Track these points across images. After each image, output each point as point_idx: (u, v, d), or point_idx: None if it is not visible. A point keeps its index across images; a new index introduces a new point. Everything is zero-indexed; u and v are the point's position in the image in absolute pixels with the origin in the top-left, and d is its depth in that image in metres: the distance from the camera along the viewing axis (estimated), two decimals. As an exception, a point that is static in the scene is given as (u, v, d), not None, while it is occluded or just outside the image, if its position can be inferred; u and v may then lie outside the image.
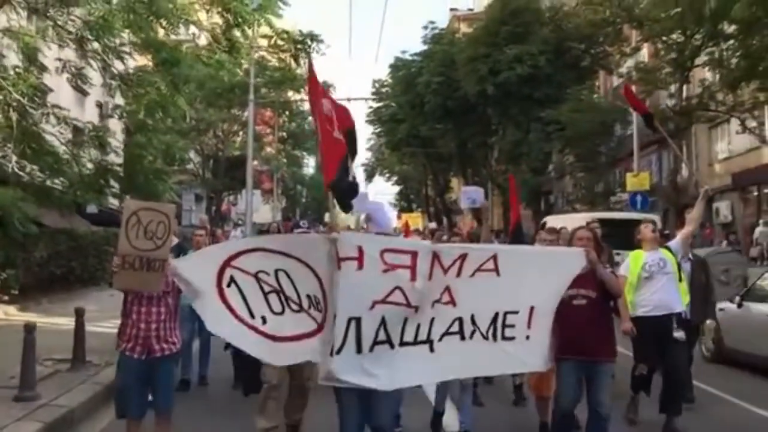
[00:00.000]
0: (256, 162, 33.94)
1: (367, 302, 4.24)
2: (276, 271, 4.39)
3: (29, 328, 7.08)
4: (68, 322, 9.72)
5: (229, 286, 4.43)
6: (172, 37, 13.92)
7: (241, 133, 36.88)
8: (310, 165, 57.17)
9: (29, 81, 12.28)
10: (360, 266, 4.21)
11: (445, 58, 32.85)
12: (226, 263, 4.42)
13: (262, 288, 4.42)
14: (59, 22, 12.57)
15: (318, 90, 4.76)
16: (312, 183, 55.38)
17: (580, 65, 29.37)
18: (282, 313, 4.42)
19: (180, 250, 5.92)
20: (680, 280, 6.92)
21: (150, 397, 5.01)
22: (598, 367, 5.18)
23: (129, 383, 4.93)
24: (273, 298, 4.42)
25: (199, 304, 4.58)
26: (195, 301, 4.62)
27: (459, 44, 33.62)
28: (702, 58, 19.55)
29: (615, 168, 29.27)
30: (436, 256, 4.37)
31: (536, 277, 4.56)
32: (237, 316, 4.44)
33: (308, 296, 4.39)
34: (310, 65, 4.91)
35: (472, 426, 6.17)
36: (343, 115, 5.01)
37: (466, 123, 33.46)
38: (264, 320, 4.44)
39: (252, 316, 4.45)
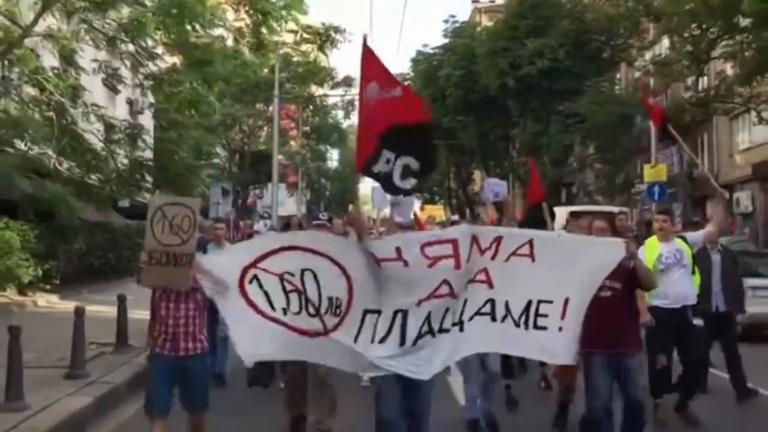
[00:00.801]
0: (281, 156, 34.58)
1: (413, 298, 4.26)
2: (302, 272, 4.37)
3: (79, 312, 7.75)
4: (107, 310, 10.39)
5: (251, 282, 4.41)
6: (202, 36, 14.46)
7: (266, 127, 37.52)
8: (334, 158, 57.72)
9: (68, 81, 12.94)
10: (406, 265, 4.23)
11: (466, 52, 33.15)
12: (252, 265, 4.39)
13: (284, 288, 4.41)
14: (95, 25, 13.21)
15: (368, 72, 4.47)
16: (336, 176, 55.96)
17: (601, 57, 29.50)
18: (298, 313, 4.44)
19: (200, 244, 5.77)
20: (693, 273, 6.81)
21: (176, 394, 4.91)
22: (628, 360, 5.14)
23: (157, 380, 4.83)
24: (293, 297, 4.42)
25: (222, 304, 4.55)
26: (218, 301, 4.57)
27: (480, 37, 33.90)
28: (718, 51, 19.68)
29: (636, 159, 29.41)
30: (474, 239, 4.35)
31: (573, 267, 4.43)
32: (258, 310, 4.43)
33: (329, 299, 4.39)
34: (365, 44, 4.52)
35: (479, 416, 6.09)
36: (410, 107, 4.62)
37: (487, 115, 33.75)
38: (284, 312, 4.47)
39: (273, 308, 4.45)
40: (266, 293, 4.41)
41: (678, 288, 6.56)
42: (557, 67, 27.99)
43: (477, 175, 49.23)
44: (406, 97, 4.63)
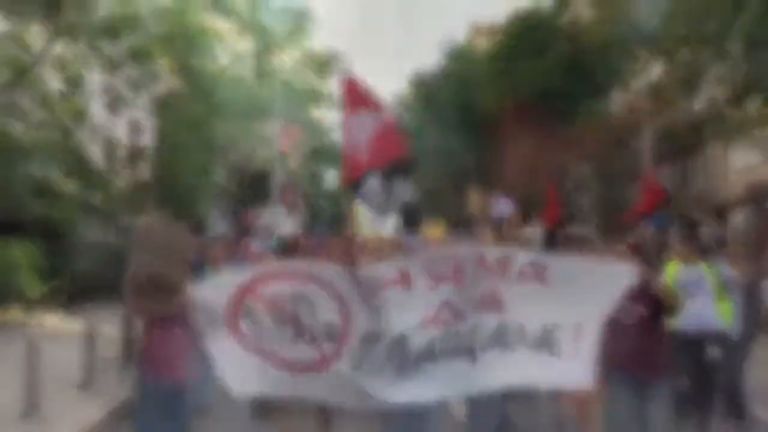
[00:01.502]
0: (280, 176, 34.87)
1: (413, 323, 4.13)
2: (294, 297, 4.16)
3: (90, 328, 8.04)
4: (112, 328, 10.60)
5: (244, 317, 4.14)
6: (207, 65, 14.85)
7: (265, 149, 37.84)
8: (331, 180, 58.04)
9: (76, 105, 13.27)
10: (407, 287, 4.12)
11: (464, 76, 33.73)
12: (245, 292, 4.14)
13: (278, 318, 4.18)
14: (105, 51, 13.57)
15: (349, 107, 4.52)
16: (332, 196, 56.28)
17: (595, 79, 29.96)
18: (295, 343, 4.20)
19: (197, 265, 5.69)
20: (722, 299, 6.63)
21: None
22: (651, 386, 4.92)
23: (149, 411, 4.58)
24: (287, 328, 4.18)
25: (210, 340, 4.14)
26: (206, 336, 4.14)
27: (477, 60, 34.45)
28: (710, 77, 20.07)
29: (631, 181, 29.72)
30: (480, 257, 4.22)
31: (584, 290, 4.24)
32: (249, 348, 4.19)
33: (326, 325, 4.19)
34: (344, 83, 4.59)
35: None
36: (384, 146, 4.63)
37: (483, 136, 34.25)
38: (277, 351, 4.20)
39: (263, 347, 4.20)
40: (259, 329, 4.15)
41: (696, 314, 6.36)
42: (552, 89, 28.46)
43: (473, 195, 49.52)
44: (387, 129, 4.68)
